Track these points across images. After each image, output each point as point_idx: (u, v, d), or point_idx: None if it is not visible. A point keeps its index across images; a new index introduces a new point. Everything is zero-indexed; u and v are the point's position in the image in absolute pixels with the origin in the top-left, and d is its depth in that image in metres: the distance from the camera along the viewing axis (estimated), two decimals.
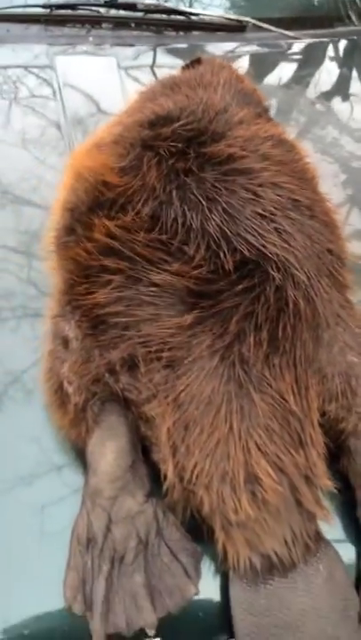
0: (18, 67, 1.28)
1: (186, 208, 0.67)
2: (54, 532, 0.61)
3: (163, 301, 0.62)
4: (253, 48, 1.48)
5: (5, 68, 1.28)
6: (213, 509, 0.57)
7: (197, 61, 0.96)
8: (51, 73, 1.25)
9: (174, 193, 0.68)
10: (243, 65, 1.35)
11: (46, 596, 0.57)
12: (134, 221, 0.65)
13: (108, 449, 0.59)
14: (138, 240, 0.64)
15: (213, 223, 0.66)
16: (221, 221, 0.66)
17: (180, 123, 0.73)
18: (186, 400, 0.58)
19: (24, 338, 0.79)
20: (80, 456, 0.67)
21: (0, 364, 0.76)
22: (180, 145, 0.71)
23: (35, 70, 1.28)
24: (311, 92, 1.41)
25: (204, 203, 0.67)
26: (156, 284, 0.62)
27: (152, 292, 0.62)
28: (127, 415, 0.61)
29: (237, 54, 1.42)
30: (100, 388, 0.62)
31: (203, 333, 0.60)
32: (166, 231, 0.65)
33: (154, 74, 1.29)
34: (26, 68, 1.29)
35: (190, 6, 1.68)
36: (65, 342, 0.65)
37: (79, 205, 0.70)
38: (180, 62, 1.37)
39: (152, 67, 1.33)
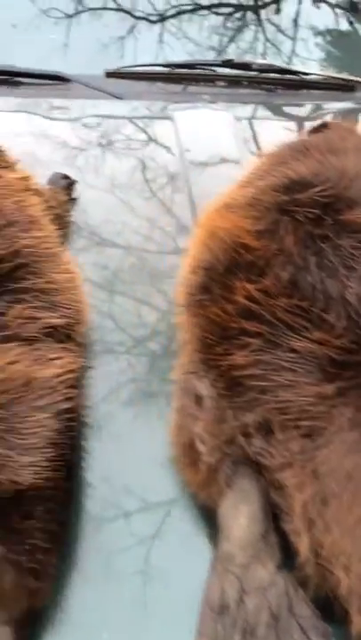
0: (136, 119, 1.36)
1: (324, 275, 0.67)
2: (119, 580, 0.61)
3: (302, 368, 0.62)
4: None
5: (125, 119, 1.35)
6: (351, 592, 0.55)
7: (324, 126, 0.98)
8: (166, 127, 1.31)
9: (312, 259, 0.69)
10: (353, 124, 1.37)
11: None
12: (274, 286, 0.67)
13: (242, 514, 0.59)
14: (278, 305, 0.65)
15: (352, 292, 0.66)
16: (360, 290, 0.66)
17: (316, 189, 0.75)
18: (325, 473, 0.57)
19: (100, 370, 0.80)
20: (149, 503, 0.67)
21: None
22: (316, 211, 0.73)
23: (151, 124, 1.35)
24: None
25: (341, 270, 0.67)
26: (295, 351, 0.62)
27: (291, 358, 0.62)
28: (259, 480, 0.61)
29: (347, 113, 1.44)
30: (233, 450, 0.62)
31: (344, 405, 0.60)
32: (306, 297, 0.66)
33: (266, 131, 1.33)
34: (143, 121, 1.36)
35: (289, 62, 1.74)
36: (198, 400, 0.66)
37: (216, 265, 0.72)
38: (291, 120, 1.41)
39: (264, 124, 1.37)
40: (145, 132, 1.32)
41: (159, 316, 0.90)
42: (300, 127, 1.32)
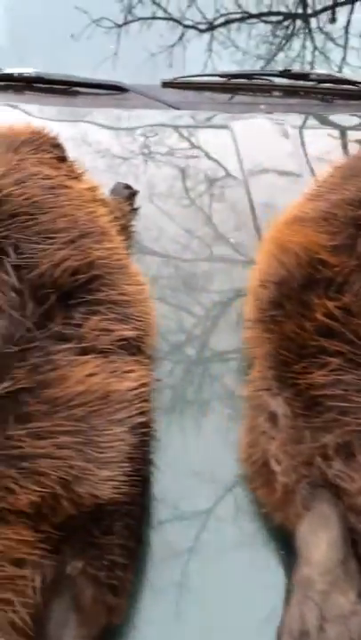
0: (193, 129, 1.35)
1: None
2: (158, 591, 0.60)
3: None
4: None
5: (182, 129, 1.35)
6: None
7: None
8: (223, 137, 1.31)
9: None
10: None
11: None
12: (354, 303, 0.65)
13: (321, 539, 0.57)
14: (360, 324, 0.63)
15: None
16: None
17: None
18: None
19: None
20: (183, 512, 0.66)
21: None
22: None
23: (208, 134, 1.34)
24: None
25: None
26: None
27: None
28: (338, 504, 0.59)
29: None
30: (311, 472, 0.61)
31: None
32: None
33: (323, 141, 1.31)
34: (200, 130, 1.36)
35: (339, 71, 1.71)
36: (273, 418, 0.65)
37: (289, 280, 0.71)
38: (349, 130, 1.38)
39: (321, 134, 1.35)
40: (202, 142, 1.32)
41: (195, 321, 0.90)
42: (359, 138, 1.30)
